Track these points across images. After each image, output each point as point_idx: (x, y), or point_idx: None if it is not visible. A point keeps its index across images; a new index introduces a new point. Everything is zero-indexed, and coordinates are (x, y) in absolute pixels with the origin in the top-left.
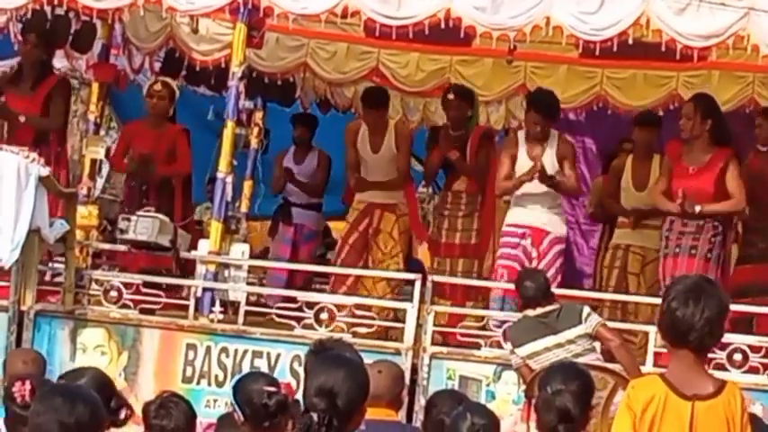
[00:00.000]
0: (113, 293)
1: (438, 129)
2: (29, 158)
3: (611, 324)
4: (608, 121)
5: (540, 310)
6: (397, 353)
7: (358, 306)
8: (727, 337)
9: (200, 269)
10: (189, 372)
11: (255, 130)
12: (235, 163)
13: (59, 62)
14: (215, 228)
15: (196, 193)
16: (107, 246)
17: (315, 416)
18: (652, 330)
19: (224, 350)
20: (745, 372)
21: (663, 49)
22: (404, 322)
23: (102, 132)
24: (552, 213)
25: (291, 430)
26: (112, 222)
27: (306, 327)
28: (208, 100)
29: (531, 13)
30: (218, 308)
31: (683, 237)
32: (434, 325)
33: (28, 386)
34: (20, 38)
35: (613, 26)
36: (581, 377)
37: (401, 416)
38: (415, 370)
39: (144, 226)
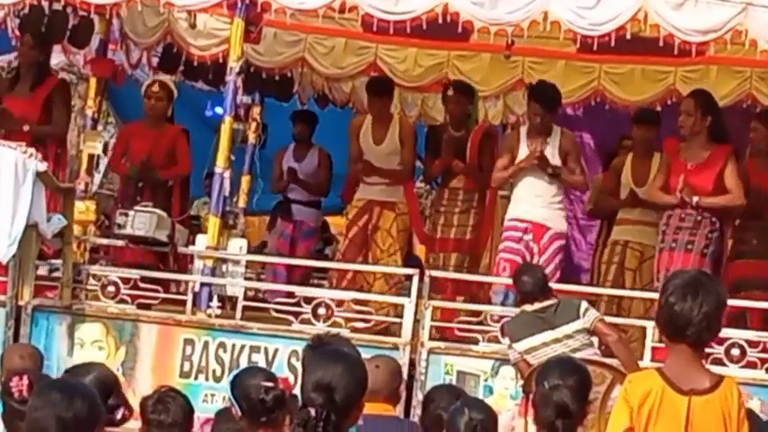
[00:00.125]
0: (111, 288)
1: (437, 129)
2: (26, 154)
3: (608, 319)
4: (606, 117)
5: (537, 305)
6: (395, 348)
7: (356, 301)
8: (725, 332)
9: (198, 264)
10: (186, 367)
11: (253, 125)
12: (232, 158)
13: (57, 57)
14: (212, 223)
15: (194, 188)
16: (105, 241)
17: (312, 411)
18: (649, 325)
19: (221, 345)
20: (742, 366)
21: (661, 44)
22: (402, 317)
23: (100, 127)
24: (553, 209)
25: (289, 425)
26: (110, 217)
27: (304, 322)
28: (205, 95)
29: (528, 8)
30: (215, 303)
31: (680, 231)
32: (432, 320)
33: (25, 381)
34: (17, 33)
35: (611, 21)
36: (578, 372)
37: (399, 411)
38: (412, 365)
39: (141, 221)
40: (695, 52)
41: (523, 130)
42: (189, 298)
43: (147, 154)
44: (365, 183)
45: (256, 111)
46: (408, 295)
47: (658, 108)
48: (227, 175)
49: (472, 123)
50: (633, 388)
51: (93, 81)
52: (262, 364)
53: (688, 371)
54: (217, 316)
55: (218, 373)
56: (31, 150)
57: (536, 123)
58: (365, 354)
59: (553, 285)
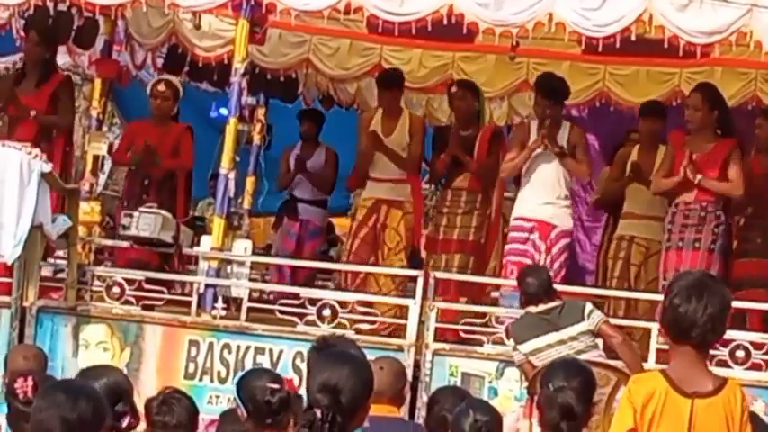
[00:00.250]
0: (116, 289)
1: (444, 129)
2: (31, 154)
3: (614, 319)
4: (610, 118)
5: (542, 307)
6: (400, 349)
7: (361, 303)
8: (730, 334)
9: (203, 265)
10: (191, 368)
11: (258, 126)
12: (237, 159)
13: (62, 58)
14: (217, 224)
15: (199, 189)
16: (109, 242)
17: (318, 412)
18: (654, 327)
19: (226, 346)
20: (747, 368)
21: (665, 45)
22: (406, 319)
23: (105, 128)
24: (559, 207)
25: (294, 426)
26: (115, 218)
27: (308, 323)
28: (210, 96)
29: (533, 10)
30: (220, 304)
31: (685, 230)
32: (437, 321)
33: (30, 382)
34: (22, 34)
35: (616, 22)
36: (583, 374)
37: (404, 412)
38: (417, 366)
39: (146, 222)
40: (700, 54)
41: (534, 124)
42: (194, 299)
43: (153, 145)
44: (373, 180)
45: (261, 112)
46: (413, 296)
47: None
48: (231, 176)
49: (482, 122)
50: (637, 389)
51: (97, 82)
52: (266, 365)
53: (692, 373)
54: (221, 317)
55: (223, 374)
56: (36, 151)
57: (543, 116)
58: (370, 355)
59: (558, 287)
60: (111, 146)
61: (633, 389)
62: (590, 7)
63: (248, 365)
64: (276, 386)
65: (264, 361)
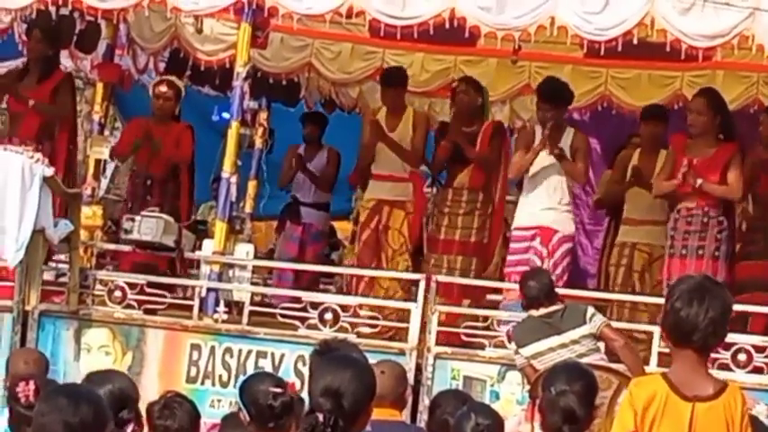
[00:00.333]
0: (118, 293)
1: (448, 125)
2: (33, 158)
3: (617, 323)
4: (612, 122)
5: (543, 311)
6: (402, 353)
7: (363, 306)
8: (732, 337)
9: (205, 269)
10: (193, 372)
11: (260, 130)
12: (239, 163)
13: (64, 62)
14: (219, 228)
15: (201, 193)
16: (111, 246)
17: (320, 416)
18: (656, 330)
19: (228, 350)
20: (749, 372)
21: (667, 49)
22: (408, 322)
23: (107, 132)
24: (560, 212)
25: (297, 430)
26: (117, 222)
27: (310, 327)
28: (212, 100)
29: (535, 13)
30: (222, 308)
31: (688, 237)
32: (438, 325)
33: (32, 386)
34: (24, 38)
35: (618, 26)
36: (585, 377)
37: (405, 416)
38: (419, 370)
39: (148, 226)
40: (702, 57)
41: (538, 128)
42: (195, 303)
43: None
44: (375, 177)
45: (263, 116)
46: (415, 300)
47: None
48: (233, 180)
49: (486, 119)
50: (638, 392)
51: (99, 86)
52: (268, 369)
53: (693, 377)
54: (223, 321)
55: (225, 378)
56: (38, 155)
57: (544, 120)
58: (372, 359)
59: (560, 291)
60: (112, 150)
61: (634, 392)
62: (592, 11)
63: (250, 369)
64: (279, 390)
65: (266, 365)
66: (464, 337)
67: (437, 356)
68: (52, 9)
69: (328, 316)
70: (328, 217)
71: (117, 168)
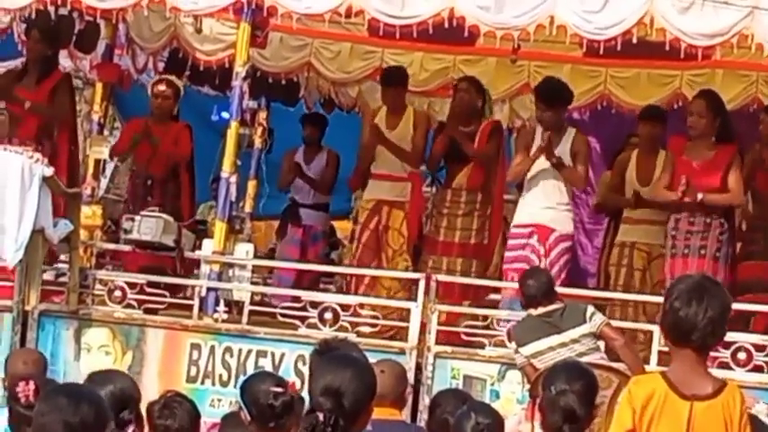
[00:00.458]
0: (117, 293)
1: (446, 123)
2: (33, 158)
3: (619, 323)
4: (612, 121)
5: (543, 309)
6: (402, 352)
7: (363, 306)
8: (732, 336)
9: (205, 269)
10: (193, 371)
11: (259, 129)
12: (239, 163)
13: (63, 62)
14: (219, 227)
15: (200, 193)
16: (111, 246)
17: (321, 415)
18: (656, 329)
19: (228, 350)
20: (749, 370)
21: (667, 47)
22: (408, 322)
23: (106, 132)
24: (558, 211)
25: (297, 430)
26: (116, 222)
27: (310, 326)
28: (212, 100)
29: (534, 13)
30: (222, 307)
31: (691, 237)
32: (438, 324)
33: (32, 386)
34: (23, 38)
35: (617, 25)
36: (585, 376)
37: (405, 415)
38: (419, 369)
39: (148, 226)
40: (701, 56)
41: (539, 128)
42: (195, 303)
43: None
44: (374, 177)
45: (262, 115)
46: (415, 299)
47: None
48: (233, 179)
49: (484, 119)
50: (637, 390)
51: (99, 86)
52: (268, 368)
53: (692, 376)
54: (223, 320)
55: (225, 377)
56: (38, 155)
57: (543, 120)
58: (371, 358)
59: (560, 290)
60: (112, 149)
61: (633, 390)
62: (591, 10)
63: (250, 369)
64: (280, 390)
65: (266, 364)
66: (464, 337)
67: (437, 356)
68: (51, 9)
69: (328, 315)
70: (328, 217)
71: (117, 168)
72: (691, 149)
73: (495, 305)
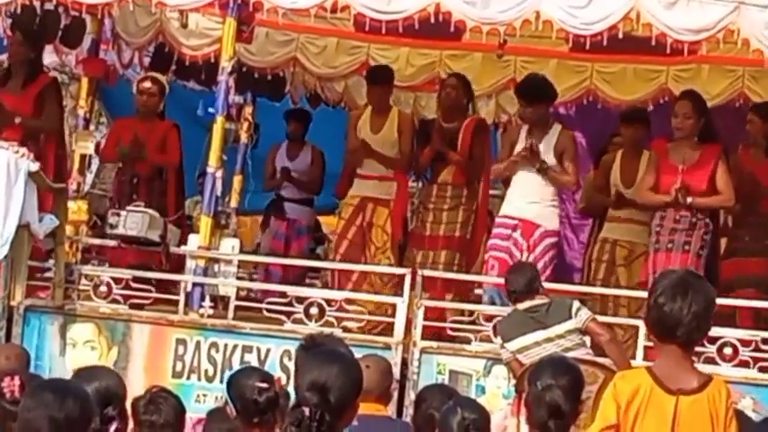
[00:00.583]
0: (103, 288)
1: (429, 123)
2: (18, 153)
3: (599, 317)
4: (598, 116)
5: (528, 304)
6: (387, 347)
7: (349, 301)
8: (717, 331)
9: (190, 264)
10: (179, 367)
11: (245, 124)
12: (224, 158)
13: (49, 57)
14: (205, 223)
15: (187, 187)
16: (97, 241)
17: (306, 410)
18: (642, 324)
19: (214, 345)
20: (735, 365)
21: (653, 43)
22: (394, 317)
23: (92, 127)
24: (544, 206)
25: (282, 425)
26: (102, 217)
27: (296, 321)
28: (197, 95)
29: (520, 8)
30: (207, 303)
31: (675, 233)
32: (424, 319)
33: (17, 382)
34: (9, 33)
35: (603, 20)
36: (571, 372)
37: (391, 410)
38: (405, 364)
39: (133, 221)
40: (687, 51)
41: (524, 127)
42: (181, 298)
43: (141, 140)
44: (360, 177)
45: (248, 110)
46: (401, 295)
47: (650, 107)
48: (219, 174)
49: (470, 114)
50: (622, 385)
51: (84, 81)
52: (254, 363)
53: (677, 371)
54: (209, 316)
55: (211, 372)
56: (23, 150)
57: (525, 117)
58: (357, 353)
59: (545, 285)
60: (98, 145)
61: (618, 385)
62: (577, 5)
63: (236, 364)
64: (264, 385)
65: (252, 359)
66: (450, 332)
67: (423, 351)
68: (37, 4)
69: (314, 310)
70: (313, 212)
71: (102, 164)
72: (674, 151)
73: (479, 300)
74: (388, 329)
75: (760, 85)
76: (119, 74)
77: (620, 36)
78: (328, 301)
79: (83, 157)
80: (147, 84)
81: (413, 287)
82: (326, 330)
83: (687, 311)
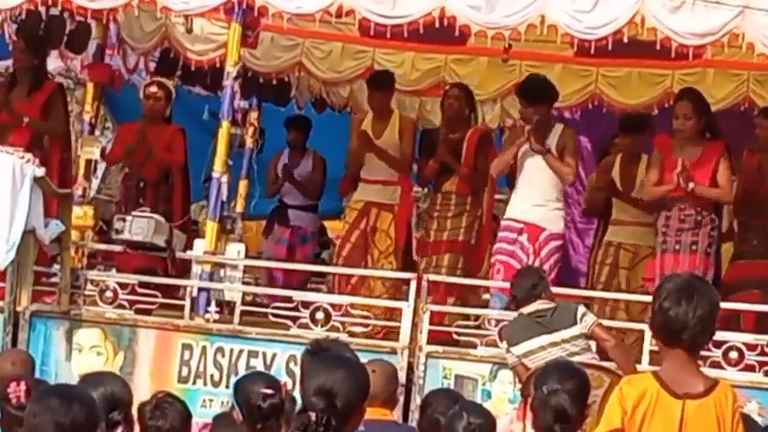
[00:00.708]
0: (109, 294)
1: (432, 132)
2: (24, 159)
3: (606, 321)
4: (603, 120)
5: (533, 308)
6: (393, 352)
7: (354, 305)
8: (723, 335)
9: (196, 269)
10: (185, 372)
11: (251, 129)
12: (230, 163)
13: (54, 62)
14: (210, 227)
15: (192, 192)
16: (102, 246)
17: (313, 415)
18: (647, 329)
19: (219, 350)
20: (740, 369)
21: (658, 47)
22: (400, 321)
23: (98, 133)
24: (549, 210)
25: (288, 431)
26: (108, 223)
27: (301, 326)
28: (203, 100)
29: (525, 12)
30: (213, 308)
31: (681, 233)
32: (430, 324)
33: (23, 387)
34: (15, 39)
35: (608, 25)
36: (577, 376)
37: (397, 415)
38: (411, 369)
39: (139, 226)
40: (692, 55)
41: (528, 128)
42: (187, 303)
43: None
44: (364, 181)
45: (254, 115)
46: (406, 299)
47: (655, 111)
48: (224, 179)
49: (473, 125)
50: (628, 390)
51: (90, 86)
52: (260, 368)
53: (683, 375)
54: (215, 321)
55: (217, 377)
56: (29, 156)
57: (525, 118)
58: (363, 358)
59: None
60: (103, 150)
61: (624, 390)
62: (582, 9)
63: (241, 369)
64: (269, 391)
65: (258, 364)
66: (455, 336)
67: (429, 355)
68: (42, 9)
69: (320, 315)
70: (317, 218)
71: (108, 168)
72: (678, 148)
73: (486, 305)
74: (393, 334)
75: (765, 89)
76: (124, 79)
77: (625, 40)
78: (334, 306)
79: (88, 162)
80: (154, 88)
81: (418, 292)
82: (332, 335)
83: (692, 315)
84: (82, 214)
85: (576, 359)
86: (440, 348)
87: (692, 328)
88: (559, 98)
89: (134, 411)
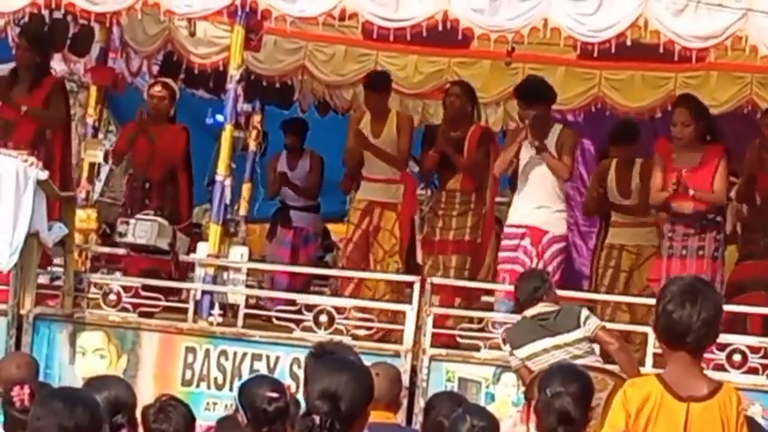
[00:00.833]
0: (112, 297)
1: (434, 128)
2: (27, 162)
3: (610, 323)
4: (606, 123)
5: (537, 311)
6: (397, 355)
7: (358, 308)
8: (727, 338)
9: (200, 272)
10: (188, 375)
11: (254, 132)
12: (233, 166)
13: (57, 65)
14: (214, 231)
15: (196, 195)
16: (106, 249)
17: (317, 419)
18: (651, 331)
19: (223, 353)
20: (744, 372)
21: (661, 50)
22: (403, 324)
23: (101, 136)
24: (552, 213)
25: None
26: (111, 226)
27: (305, 329)
28: (206, 103)
29: (528, 15)
30: (217, 311)
31: (688, 238)
32: (433, 327)
33: (27, 390)
34: (18, 41)
35: (611, 27)
36: (580, 379)
37: (400, 418)
38: (414, 372)
39: (143, 229)
40: (695, 58)
41: (527, 121)
42: (190, 306)
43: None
44: (366, 180)
45: (257, 118)
46: (410, 301)
47: (658, 114)
48: (227, 182)
49: (476, 121)
50: (632, 393)
51: (93, 89)
52: (263, 371)
53: (687, 377)
54: (218, 324)
55: (220, 380)
56: (32, 159)
57: (522, 118)
58: (366, 361)
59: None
60: (106, 153)
61: (628, 393)
62: (585, 12)
63: (245, 372)
64: (274, 395)
65: (261, 367)
66: (459, 339)
67: (432, 358)
68: (45, 12)
69: (323, 318)
70: (319, 218)
71: (111, 171)
72: (678, 153)
73: (490, 307)
74: (394, 336)
75: None
76: (127, 82)
77: (628, 43)
78: (337, 309)
79: (92, 165)
80: (158, 88)
81: (422, 294)
82: (336, 338)
83: (696, 318)
84: (85, 217)
85: (579, 362)
86: (443, 351)
87: (695, 330)
88: (562, 101)
89: (138, 415)
